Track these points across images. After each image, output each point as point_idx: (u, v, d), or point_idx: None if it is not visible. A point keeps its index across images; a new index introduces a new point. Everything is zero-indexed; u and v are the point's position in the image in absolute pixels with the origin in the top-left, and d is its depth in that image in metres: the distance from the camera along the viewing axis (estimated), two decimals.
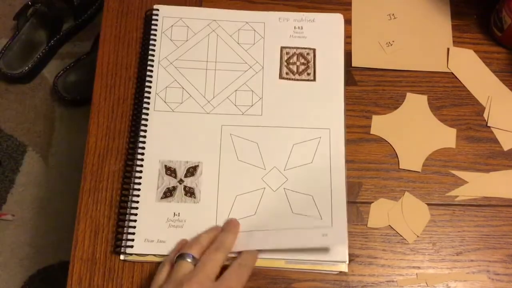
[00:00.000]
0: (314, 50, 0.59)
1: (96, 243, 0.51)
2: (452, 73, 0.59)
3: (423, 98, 0.58)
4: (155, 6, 0.60)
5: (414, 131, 0.56)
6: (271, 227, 0.51)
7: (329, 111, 0.56)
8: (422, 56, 0.59)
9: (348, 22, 0.61)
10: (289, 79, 0.58)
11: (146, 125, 0.55)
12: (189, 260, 0.46)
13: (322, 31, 0.60)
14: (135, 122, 0.55)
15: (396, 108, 0.57)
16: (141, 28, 0.60)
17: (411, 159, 0.55)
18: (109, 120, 0.55)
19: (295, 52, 0.59)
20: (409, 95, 0.58)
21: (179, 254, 0.47)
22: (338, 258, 0.50)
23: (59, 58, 1.22)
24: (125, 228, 0.51)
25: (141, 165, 0.53)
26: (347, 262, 0.51)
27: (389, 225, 0.53)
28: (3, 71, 1.16)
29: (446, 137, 0.56)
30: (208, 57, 0.58)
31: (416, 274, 0.51)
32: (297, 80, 0.57)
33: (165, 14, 0.59)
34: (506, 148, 0.56)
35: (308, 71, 0.58)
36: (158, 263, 0.50)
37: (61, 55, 1.23)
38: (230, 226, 0.51)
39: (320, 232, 0.50)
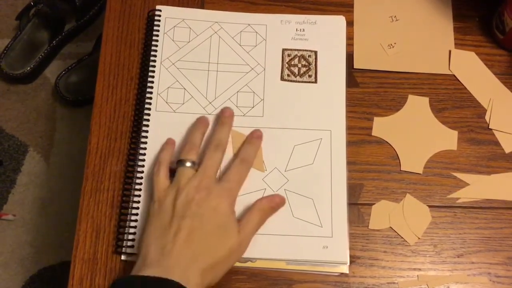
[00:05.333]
0: (315, 52, 0.59)
1: (97, 243, 0.51)
2: (453, 75, 0.59)
3: (425, 100, 0.58)
4: (157, 7, 0.60)
5: (415, 133, 0.56)
6: (272, 231, 0.51)
7: (330, 112, 0.56)
8: (424, 58, 0.59)
9: (350, 24, 0.61)
10: (291, 81, 0.58)
11: (147, 126, 0.55)
12: (188, 165, 0.50)
13: (324, 33, 0.60)
14: (137, 122, 0.55)
15: (397, 110, 0.57)
16: (143, 28, 0.60)
17: (413, 161, 0.55)
18: (111, 120, 0.56)
19: (296, 54, 0.59)
20: (410, 97, 0.58)
21: (179, 160, 0.50)
22: (339, 259, 0.50)
23: (61, 59, 1.23)
24: (126, 229, 0.51)
25: (143, 166, 0.53)
26: (348, 264, 0.51)
27: (390, 227, 0.53)
28: (5, 71, 1.16)
29: (447, 139, 0.56)
30: (210, 59, 0.58)
31: (417, 276, 0.51)
32: (299, 82, 0.58)
33: (167, 15, 0.60)
34: (507, 150, 0.56)
35: (310, 73, 0.58)
36: None
37: (63, 56, 1.23)
38: (224, 118, 0.54)
39: (321, 243, 0.51)
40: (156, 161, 0.52)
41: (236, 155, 0.53)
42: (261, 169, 0.53)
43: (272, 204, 0.51)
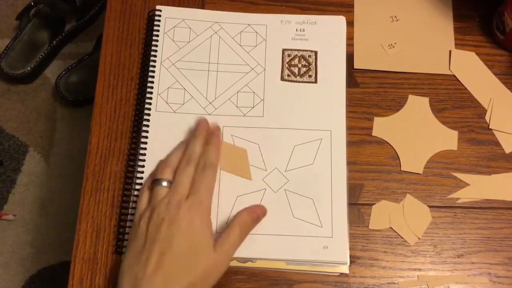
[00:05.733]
0: (315, 52, 0.59)
1: (98, 243, 0.51)
2: (454, 75, 0.59)
3: (425, 100, 0.58)
4: (157, 7, 0.60)
5: (415, 133, 0.56)
6: (272, 231, 0.51)
7: (330, 112, 0.56)
8: (424, 58, 0.59)
9: (350, 24, 0.61)
10: (291, 81, 0.58)
11: (148, 126, 0.55)
12: (164, 184, 0.49)
13: (324, 33, 0.60)
14: (137, 122, 0.55)
15: (398, 110, 0.57)
16: (143, 29, 0.60)
17: (413, 161, 0.55)
18: (111, 120, 0.56)
19: (296, 54, 0.59)
20: (411, 97, 0.58)
21: (154, 180, 0.50)
22: (339, 259, 0.50)
23: (61, 59, 1.23)
24: (126, 228, 0.51)
25: (143, 166, 0.53)
26: (348, 264, 0.51)
27: (391, 227, 0.53)
28: (6, 71, 1.16)
29: (447, 139, 0.56)
30: (210, 59, 0.58)
31: (417, 276, 0.51)
32: (299, 82, 0.58)
33: (167, 15, 0.60)
34: (507, 150, 0.56)
35: (310, 73, 0.58)
36: None
37: (63, 56, 1.23)
38: (197, 131, 0.52)
39: (321, 244, 0.51)
40: (150, 175, 0.52)
41: (198, 163, 0.50)
42: (248, 177, 0.53)
43: (253, 215, 0.49)
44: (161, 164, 0.51)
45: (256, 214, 0.49)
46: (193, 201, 0.47)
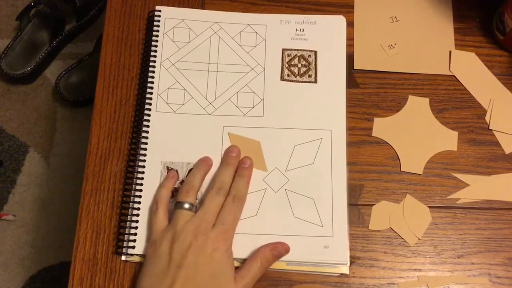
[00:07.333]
0: (315, 52, 0.59)
1: (98, 244, 0.51)
2: (454, 76, 0.59)
3: (425, 101, 0.58)
4: (157, 7, 0.60)
5: (415, 134, 0.56)
6: (273, 231, 0.51)
7: (330, 112, 0.56)
8: (424, 58, 0.59)
9: (350, 24, 0.61)
10: (291, 80, 0.58)
11: (148, 126, 0.55)
12: (186, 207, 0.49)
13: (324, 33, 0.60)
14: (137, 123, 0.55)
15: (398, 110, 0.57)
16: (143, 29, 0.60)
17: (413, 161, 0.55)
18: (111, 121, 0.56)
19: (296, 54, 0.59)
20: (411, 98, 0.58)
21: (176, 202, 0.49)
22: (339, 259, 0.50)
23: (61, 59, 1.23)
24: (126, 229, 0.51)
25: (143, 166, 0.53)
26: (348, 264, 0.51)
27: (391, 228, 0.53)
28: (6, 71, 1.16)
29: (447, 140, 0.56)
30: (210, 59, 0.58)
31: (417, 276, 0.51)
32: (299, 82, 0.58)
33: (167, 16, 0.60)
34: (507, 151, 0.56)
35: (310, 73, 0.58)
36: None
37: (63, 56, 1.23)
38: (229, 159, 0.52)
39: (321, 243, 0.51)
40: (155, 198, 0.51)
41: (228, 192, 0.50)
42: (263, 169, 0.53)
43: (275, 252, 0.49)
44: (185, 186, 0.50)
45: (278, 251, 0.49)
46: (220, 230, 0.47)
